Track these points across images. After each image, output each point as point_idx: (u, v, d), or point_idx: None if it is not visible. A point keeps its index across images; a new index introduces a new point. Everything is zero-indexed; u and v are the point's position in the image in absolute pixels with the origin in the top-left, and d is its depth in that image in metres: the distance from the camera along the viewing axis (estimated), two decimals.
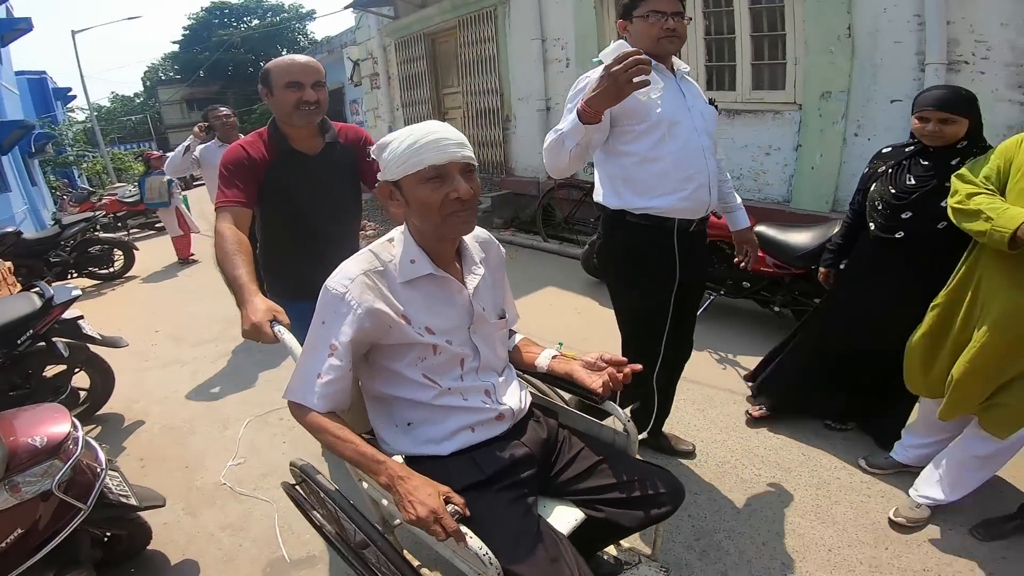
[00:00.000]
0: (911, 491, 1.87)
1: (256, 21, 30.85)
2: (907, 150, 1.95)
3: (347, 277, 1.09)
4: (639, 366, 1.24)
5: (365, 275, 1.09)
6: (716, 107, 1.84)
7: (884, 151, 2.06)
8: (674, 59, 1.73)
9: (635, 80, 1.27)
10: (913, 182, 1.87)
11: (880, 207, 1.95)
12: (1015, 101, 3.07)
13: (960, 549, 1.70)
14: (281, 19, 30.78)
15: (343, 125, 1.79)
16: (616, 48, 1.40)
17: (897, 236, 1.90)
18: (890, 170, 1.96)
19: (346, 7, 8.17)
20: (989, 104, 3.18)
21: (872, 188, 2.01)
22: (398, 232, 1.18)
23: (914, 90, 3.21)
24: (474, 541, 0.95)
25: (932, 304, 1.77)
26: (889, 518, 1.82)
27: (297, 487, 1.41)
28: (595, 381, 1.20)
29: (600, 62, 1.41)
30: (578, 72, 5.48)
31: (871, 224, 1.99)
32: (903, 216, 1.88)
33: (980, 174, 1.60)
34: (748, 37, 4.16)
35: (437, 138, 1.05)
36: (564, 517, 1.21)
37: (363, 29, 9.09)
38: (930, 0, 3.17)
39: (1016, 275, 1.50)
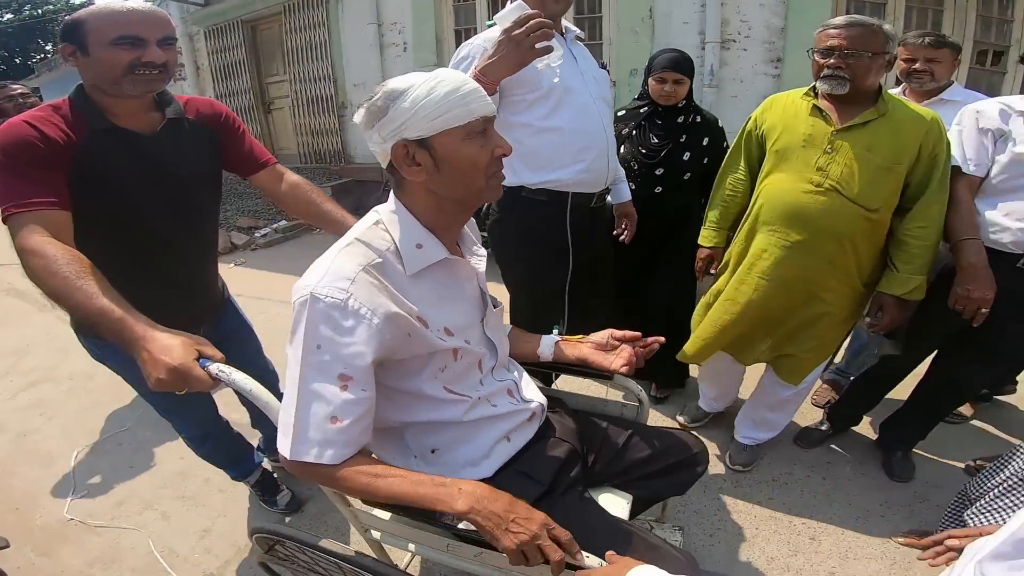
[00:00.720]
0: (735, 435, 2.08)
1: (9, 15, 25.56)
2: (642, 111, 2.10)
3: (343, 277, 0.84)
4: (662, 338, 1.18)
5: (365, 271, 0.85)
6: (607, 71, 1.79)
7: (620, 114, 2.19)
8: (564, 21, 1.64)
9: (538, 45, 1.19)
10: (656, 141, 2.06)
11: (636, 167, 2.09)
12: (769, 74, 3.83)
13: (793, 458, 2.07)
14: (44, 12, 25.78)
15: (191, 97, 1.42)
16: (514, 9, 1.29)
17: (656, 191, 2.08)
18: (633, 132, 2.10)
19: None
20: (750, 77, 3.93)
21: (622, 151, 2.11)
22: (385, 211, 0.95)
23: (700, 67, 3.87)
24: (592, 559, 0.82)
25: (719, 267, 1.91)
26: (726, 465, 2.05)
27: (274, 558, 1.15)
28: (613, 361, 1.13)
29: (494, 24, 1.29)
30: (416, 56, 5.66)
31: (631, 185, 2.08)
32: (657, 173, 2.07)
33: (742, 142, 1.79)
34: (572, 20, 4.62)
35: (476, 87, 0.88)
36: (617, 504, 1.15)
37: None
38: None
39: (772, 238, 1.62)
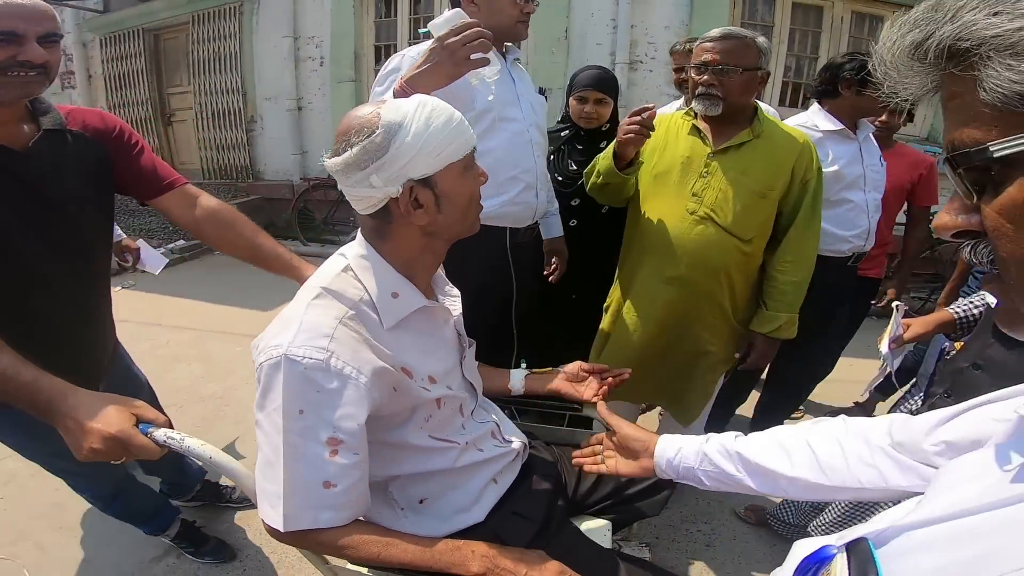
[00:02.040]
0: None
1: None
2: (563, 135, 2.00)
3: (320, 334, 0.79)
4: (628, 370, 1.23)
5: (343, 324, 0.81)
6: (546, 96, 1.72)
7: None
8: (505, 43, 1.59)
9: (473, 57, 1.13)
10: (575, 168, 1.93)
11: None
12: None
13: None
14: None
15: (74, 108, 1.24)
16: (452, 17, 1.21)
17: (571, 224, 1.94)
18: (551, 156, 1.98)
19: None
20: (655, 97, 4.28)
21: None
22: (353, 256, 0.89)
23: None
24: None
25: (604, 305, 1.84)
26: None
27: None
28: (584, 392, 1.17)
29: (428, 33, 1.23)
30: (333, 71, 5.74)
31: None
32: (572, 204, 1.94)
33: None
34: None
35: (460, 115, 0.85)
36: (599, 532, 1.19)
37: None
38: (621, 6, 4.16)
39: (650, 272, 1.59)
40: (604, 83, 1.87)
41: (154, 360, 3.08)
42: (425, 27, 1.26)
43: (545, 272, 1.93)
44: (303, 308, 0.82)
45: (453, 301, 1.07)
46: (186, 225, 1.33)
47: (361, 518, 0.90)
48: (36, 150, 1.11)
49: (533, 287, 1.81)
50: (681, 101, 2.24)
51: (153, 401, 1.70)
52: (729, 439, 0.88)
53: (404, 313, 0.88)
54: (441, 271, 1.06)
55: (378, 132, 0.78)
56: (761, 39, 1.43)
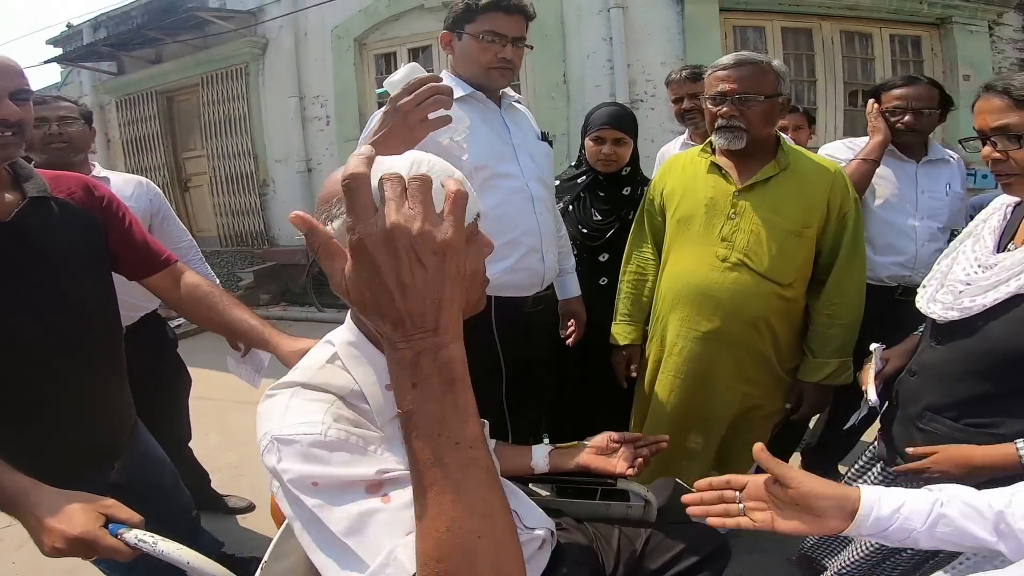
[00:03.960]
0: None
1: None
2: (579, 181, 1.91)
3: (309, 417, 0.69)
4: (666, 437, 1.20)
5: (331, 413, 0.71)
6: (550, 142, 1.64)
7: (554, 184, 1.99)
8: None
9: (431, 116, 1.04)
10: (600, 218, 1.86)
11: (576, 252, 1.84)
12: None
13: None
14: None
15: (59, 173, 1.20)
16: (406, 73, 1.13)
17: (602, 283, 1.86)
18: (570, 207, 1.90)
19: (48, 61, 7.43)
20: (658, 135, 4.40)
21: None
22: (340, 341, 0.80)
23: None
24: None
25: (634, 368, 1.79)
26: None
27: None
28: (617, 464, 1.13)
29: (386, 93, 1.16)
30: (339, 131, 6.07)
31: None
32: (601, 259, 1.86)
33: (644, 213, 1.69)
34: None
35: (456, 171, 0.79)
36: None
37: (72, 86, 8.32)
38: (616, 46, 4.37)
39: (686, 323, 1.53)
40: (621, 120, 1.78)
41: None
42: (382, 87, 1.19)
43: (562, 334, 1.85)
44: (283, 402, 0.73)
45: None
46: (171, 303, 1.32)
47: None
48: (22, 219, 1.06)
49: (527, 356, 1.66)
50: (686, 135, 2.24)
51: (175, 480, 1.72)
52: (975, 496, 0.77)
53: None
54: None
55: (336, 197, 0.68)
56: (777, 62, 1.40)
